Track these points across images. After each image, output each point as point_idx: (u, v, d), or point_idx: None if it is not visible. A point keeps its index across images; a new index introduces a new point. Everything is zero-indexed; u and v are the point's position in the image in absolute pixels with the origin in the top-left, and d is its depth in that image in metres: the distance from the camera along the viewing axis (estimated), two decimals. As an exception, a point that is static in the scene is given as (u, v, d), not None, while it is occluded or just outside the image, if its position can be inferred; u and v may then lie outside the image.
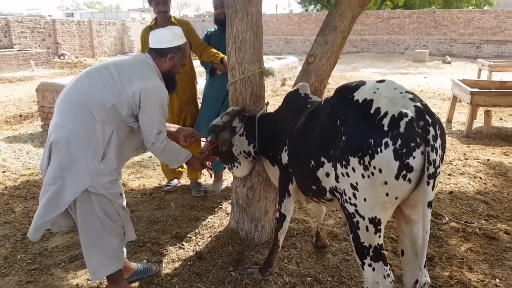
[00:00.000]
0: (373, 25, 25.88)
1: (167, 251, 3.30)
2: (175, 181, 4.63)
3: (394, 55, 23.90)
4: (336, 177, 2.07)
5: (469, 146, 6.20)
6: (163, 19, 4.05)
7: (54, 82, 7.00)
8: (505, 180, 4.84)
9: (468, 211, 4.02)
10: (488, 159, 5.54)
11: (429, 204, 1.85)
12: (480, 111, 7.31)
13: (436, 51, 24.22)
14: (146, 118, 2.44)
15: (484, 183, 4.75)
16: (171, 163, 2.81)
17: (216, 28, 4.33)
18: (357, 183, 1.96)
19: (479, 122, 7.37)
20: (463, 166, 5.28)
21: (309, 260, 3.19)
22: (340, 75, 15.31)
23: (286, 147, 2.62)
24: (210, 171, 3.26)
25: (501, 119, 7.98)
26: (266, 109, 3.21)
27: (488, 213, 3.97)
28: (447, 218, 3.82)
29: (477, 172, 5.09)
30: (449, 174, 5.01)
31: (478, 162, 5.45)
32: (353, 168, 1.95)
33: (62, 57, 22.29)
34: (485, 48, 23.59)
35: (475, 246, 3.37)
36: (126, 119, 2.42)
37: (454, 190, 4.54)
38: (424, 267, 2.18)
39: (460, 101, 7.77)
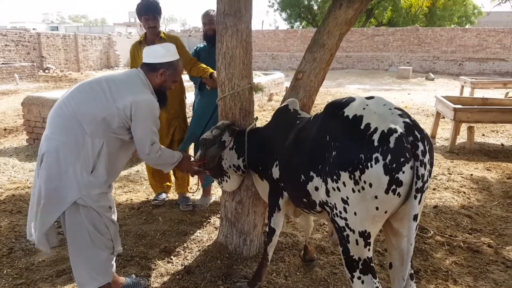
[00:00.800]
0: (358, 42, 26.30)
1: (156, 265, 3.29)
2: (163, 196, 4.62)
3: (379, 72, 24.28)
4: (327, 192, 2.10)
5: (452, 161, 6.32)
6: (152, 34, 4.09)
7: (40, 96, 6.95)
8: (488, 194, 4.94)
9: (453, 225, 4.09)
10: (472, 174, 5.65)
11: (415, 218, 1.89)
12: (463, 127, 7.46)
13: (420, 68, 24.68)
14: (139, 130, 2.48)
15: (467, 198, 4.84)
16: (164, 169, 2.85)
17: (205, 44, 4.39)
18: (347, 197, 2.00)
19: (462, 138, 7.52)
20: (447, 181, 5.38)
21: (297, 273, 3.21)
22: (326, 91, 15.48)
23: (277, 162, 2.65)
24: (198, 184, 3.27)
25: (483, 135, 8.15)
26: (255, 124, 3.25)
27: (472, 227, 4.05)
28: (432, 232, 3.88)
29: (461, 186, 5.19)
30: (434, 189, 5.09)
31: (462, 177, 5.56)
32: (343, 183, 1.98)
33: (47, 71, 22.12)
34: (467, 66, 24.12)
35: (460, 259, 3.43)
36: (117, 132, 2.44)
37: (438, 204, 4.61)
38: (412, 279, 2.22)
39: (444, 117, 7.92)
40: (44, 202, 2.32)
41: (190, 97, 4.81)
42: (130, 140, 2.54)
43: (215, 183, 4.47)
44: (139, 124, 2.46)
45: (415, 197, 1.86)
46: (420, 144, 1.86)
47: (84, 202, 2.34)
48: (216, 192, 4.85)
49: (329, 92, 15.49)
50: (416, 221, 1.90)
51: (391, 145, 1.85)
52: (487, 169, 5.95)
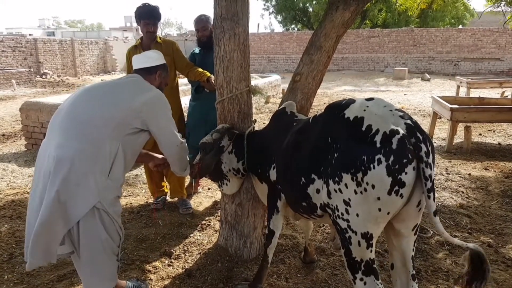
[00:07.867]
0: (353, 44, 26.35)
1: (156, 268, 3.30)
2: (162, 199, 4.62)
3: (374, 73, 24.32)
4: (328, 193, 2.10)
5: (450, 161, 6.33)
6: (149, 39, 4.09)
7: (37, 101, 6.95)
8: (486, 194, 4.96)
9: (452, 225, 4.10)
10: (470, 174, 5.67)
11: (435, 213, 1.91)
12: (460, 127, 7.48)
13: (415, 69, 24.73)
14: (162, 126, 2.60)
15: (466, 197, 4.85)
16: (183, 165, 2.88)
17: (200, 49, 4.43)
18: (349, 199, 2.00)
19: (459, 138, 7.54)
20: (445, 181, 5.40)
21: (298, 275, 3.21)
22: (322, 93, 15.51)
23: (274, 164, 2.66)
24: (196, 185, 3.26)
25: (480, 134, 8.18)
26: (254, 127, 3.26)
27: (471, 226, 4.06)
28: (431, 232, 3.89)
29: (459, 186, 5.20)
30: (432, 189, 5.09)
31: (460, 176, 5.58)
32: (345, 184, 1.98)
33: (44, 76, 22.09)
34: (463, 66, 24.18)
35: (460, 259, 3.44)
36: (132, 132, 2.47)
37: (437, 204, 4.62)
38: (414, 280, 2.23)
39: (440, 117, 7.95)
40: (62, 209, 2.26)
41: (184, 101, 4.83)
42: (142, 138, 2.59)
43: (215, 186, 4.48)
44: (159, 120, 2.57)
45: (428, 197, 1.89)
46: (422, 145, 1.88)
47: (101, 206, 2.33)
48: (216, 194, 4.85)
49: (325, 93, 15.53)
50: (436, 216, 1.93)
51: (394, 146, 1.85)
52: (485, 169, 5.96)
